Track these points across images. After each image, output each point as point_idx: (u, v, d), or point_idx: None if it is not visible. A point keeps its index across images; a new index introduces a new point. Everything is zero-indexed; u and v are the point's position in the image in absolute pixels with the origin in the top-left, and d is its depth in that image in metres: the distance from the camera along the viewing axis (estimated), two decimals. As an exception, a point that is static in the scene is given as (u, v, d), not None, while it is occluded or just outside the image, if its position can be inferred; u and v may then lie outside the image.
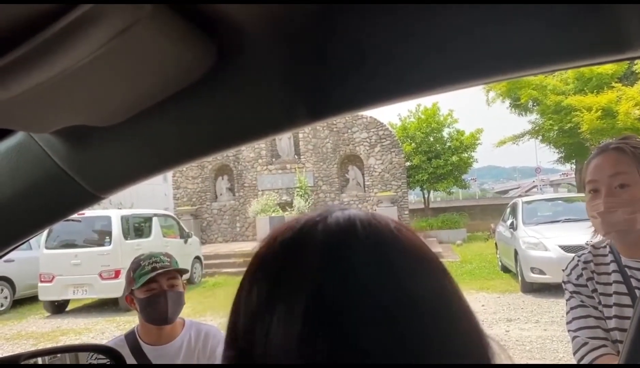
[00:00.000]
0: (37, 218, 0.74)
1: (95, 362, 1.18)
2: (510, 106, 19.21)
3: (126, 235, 9.99)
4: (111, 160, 0.67)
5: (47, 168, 0.67)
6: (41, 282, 9.45)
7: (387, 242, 0.42)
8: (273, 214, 16.08)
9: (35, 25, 0.40)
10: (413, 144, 18.75)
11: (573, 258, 1.51)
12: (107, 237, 9.72)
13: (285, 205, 16.64)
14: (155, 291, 1.83)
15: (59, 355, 1.16)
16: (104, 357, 1.17)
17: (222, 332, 1.90)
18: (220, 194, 18.02)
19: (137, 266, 1.87)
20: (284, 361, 0.38)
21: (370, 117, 17.18)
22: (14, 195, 0.70)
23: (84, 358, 1.19)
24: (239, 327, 0.42)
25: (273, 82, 0.58)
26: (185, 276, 2.04)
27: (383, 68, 0.55)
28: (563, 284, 1.50)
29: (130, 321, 8.60)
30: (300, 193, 16.61)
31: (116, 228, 9.77)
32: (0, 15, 0.39)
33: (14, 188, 0.69)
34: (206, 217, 17.87)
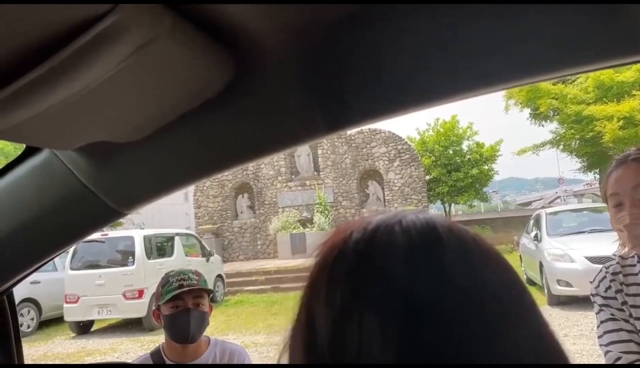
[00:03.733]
0: (62, 235, 0.75)
1: None
2: (530, 116, 18.99)
3: (149, 254, 10.07)
4: (133, 176, 0.68)
5: (71, 185, 0.68)
6: (66, 303, 9.55)
7: (470, 247, 0.42)
8: (294, 231, 16.07)
9: (57, 43, 0.41)
10: (432, 157, 18.64)
11: (601, 270, 1.47)
12: (131, 257, 9.81)
13: (305, 222, 16.63)
14: (179, 309, 1.84)
15: None
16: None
17: (247, 351, 1.89)
18: (241, 212, 18.10)
19: (165, 282, 1.89)
20: None
21: (389, 131, 17.15)
22: (40, 213, 0.71)
23: None
24: (320, 334, 0.41)
25: (291, 94, 0.58)
26: (207, 295, 2.04)
27: (399, 78, 0.55)
28: (591, 297, 1.47)
29: (155, 341, 8.63)
30: (321, 209, 16.58)
31: (139, 249, 9.85)
32: (24, 34, 0.39)
33: (40, 206, 0.71)
34: (227, 235, 17.94)
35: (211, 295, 1.98)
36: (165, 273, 1.96)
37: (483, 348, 0.37)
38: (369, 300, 0.39)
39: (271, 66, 0.55)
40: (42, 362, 7.77)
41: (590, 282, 1.47)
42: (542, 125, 19.04)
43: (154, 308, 1.96)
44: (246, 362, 2.00)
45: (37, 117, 0.46)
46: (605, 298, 1.41)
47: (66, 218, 0.72)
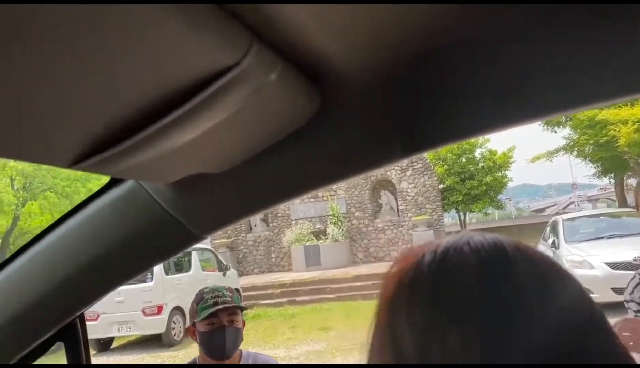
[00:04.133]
0: (143, 259, 0.79)
1: None
2: (542, 122, 18.89)
3: (167, 270, 10.13)
4: (215, 203, 0.72)
5: (154, 212, 0.72)
6: (87, 320, 9.58)
7: (536, 260, 0.44)
8: (307, 243, 16.06)
9: (184, 94, 0.44)
10: (445, 166, 18.57)
11: (634, 276, 1.49)
12: (149, 273, 9.84)
13: (319, 234, 16.61)
14: (215, 326, 1.88)
15: None
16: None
17: (277, 362, 1.92)
18: (255, 225, 18.13)
19: (200, 299, 1.92)
20: None
21: (400, 141, 17.06)
22: (123, 239, 0.75)
23: None
24: (405, 352, 0.43)
25: (370, 123, 0.62)
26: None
27: (470, 105, 0.59)
28: (625, 303, 1.48)
29: (174, 357, 8.66)
30: (334, 221, 16.56)
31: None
32: (154, 88, 0.42)
33: (123, 233, 0.75)
34: (242, 248, 17.97)
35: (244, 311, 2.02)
36: (200, 290, 2.00)
37: (564, 359, 0.39)
38: (449, 318, 0.42)
39: (353, 98, 0.59)
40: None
41: (612, 288, 1.49)
42: (555, 131, 18.95)
43: (189, 324, 2.00)
44: None
45: (153, 159, 0.50)
46: None
47: (147, 244, 0.76)
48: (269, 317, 10.79)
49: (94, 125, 0.44)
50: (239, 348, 2.01)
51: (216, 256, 12.38)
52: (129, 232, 0.75)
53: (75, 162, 0.48)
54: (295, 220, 17.41)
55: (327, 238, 16.22)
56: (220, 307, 1.88)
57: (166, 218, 0.72)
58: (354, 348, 8.12)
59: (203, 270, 11.26)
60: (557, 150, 19.84)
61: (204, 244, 14.26)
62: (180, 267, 10.77)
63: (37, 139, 0.43)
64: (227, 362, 1.93)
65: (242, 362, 1.99)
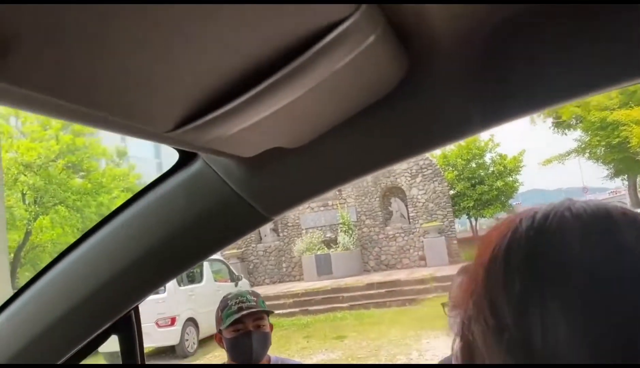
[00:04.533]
0: (211, 241, 0.77)
1: None
2: (552, 125, 18.84)
3: (179, 281, 10.11)
4: (285, 182, 0.70)
5: (222, 193, 0.70)
6: (100, 333, 9.59)
7: None
8: (318, 252, 16.01)
9: (282, 58, 0.42)
10: (455, 171, 18.52)
11: None
12: (161, 285, 9.86)
13: (330, 242, 16.56)
14: (241, 332, 1.84)
15: None
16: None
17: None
18: (265, 235, 18.11)
19: (224, 305, 1.89)
20: (567, 351, 0.38)
21: (409, 148, 17.03)
22: (192, 220, 0.74)
23: None
24: (502, 315, 0.42)
25: (455, 91, 0.58)
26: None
27: (550, 74, 0.56)
28: None
29: (188, 368, 8.60)
30: (344, 229, 16.50)
31: (169, 276, 9.90)
32: (248, 57, 0.41)
33: (191, 214, 0.73)
34: (252, 259, 17.94)
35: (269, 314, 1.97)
36: (224, 297, 1.96)
37: None
38: (548, 282, 0.40)
39: (439, 65, 0.56)
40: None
41: None
42: (565, 134, 18.86)
43: (216, 332, 1.95)
44: None
45: (239, 130, 0.49)
46: None
47: (215, 225, 0.75)
48: (282, 327, 10.72)
49: (192, 93, 0.43)
50: (268, 354, 1.97)
51: (228, 267, 12.35)
52: (196, 215, 0.74)
53: (167, 131, 0.47)
54: (306, 229, 17.37)
55: (337, 247, 16.16)
56: (245, 312, 1.84)
57: (235, 199, 0.70)
58: (370, 356, 8.04)
59: (215, 281, 11.24)
60: (568, 153, 19.73)
61: (215, 255, 14.24)
62: (193, 278, 10.74)
63: (140, 106, 0.42)
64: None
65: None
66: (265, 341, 1.89)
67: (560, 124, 18.24)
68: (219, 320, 1.88)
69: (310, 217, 17.53)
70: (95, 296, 0.81)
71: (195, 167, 0.71)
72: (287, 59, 0.42)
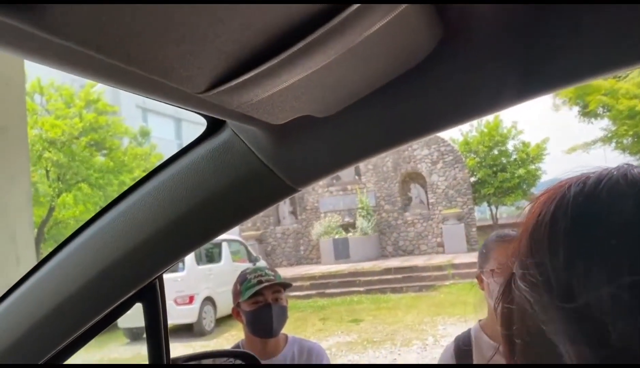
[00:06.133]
0: (236, 210, 0.77)
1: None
2: (578, 113, 18.43)
3: (198, 260, 10.23)
4: (313, 152, 0.69)
5: (249, 163, 0.70)
6: (119, 309, 9.78)
7: None
8: (336, 236, 16.05)
9: (298, 32, 0.42)
10: (476, 158, 18.33)
11: None
12: (181, 263, 9.98)
13: (348, 227, 16.58)
14: (260, 304, 1.85)
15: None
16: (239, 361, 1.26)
17: (325, 351, 1.87)
18: (283, 218, 18.21)
19: (243, 279, 1.90)
20: (609, 309, 0.38)
21: (431, 133, 16.90)
22: (218, 189, 0.74)
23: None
24: (546, 280, 0.42)
25: (491, 61, 0.56)
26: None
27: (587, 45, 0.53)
28: None
29: (205, 346, 8.73)
30: (363, 213, 16.50)
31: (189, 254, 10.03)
32: (273, 22, 0.41)
33: (218, 183, 0.73)
34: (270, 241, 18.07)
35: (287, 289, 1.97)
36: (242, 272, 1.97)
37: None
38: (593, 251, 0.40)
39: (473, 35, 0.54)
40: None
41: None
42: (592, 123, 18.46)
43: (233, 306, 1.95)
44: (324, 361, 1.98)
45: (271, 95, 0.48)
46: None
47: (241, 195, 0.74)
48: (298, 309, 10.81)
49: (228, 52, 0.42)
50: (285, 333, 1.98)
51: (246, 248, 12.46)
52: (222, 184, 0.73)
53: (200, 92, 0.47)
54: (324, 212, 17.40)
55: (356, 231, 16.18)
56: (266, 284, 1.85)
57: (262, 169, 0.70)
58: (386, 340, 8.06)
59: (233, 261, 11.34)
60: (594, 142, 19.33)
61: (234, 235, 14.39)
62: (211, 258, 10.87)
63: (177, 64, 0.42)
64: (272, 342, 1.91)
65: (287, 347, 1.97)
66: (284, 314, 1.90)
67: (587, 113, 17.84)
68: (237, 294, 1.89)
69: (329, 200, 17.55)
70: (122, 263, 0.81)
71: (223, 136, 0.70)
72: (320, 22, 0.41)
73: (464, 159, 17.21)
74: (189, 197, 0.75)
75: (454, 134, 20.04)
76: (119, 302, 0.87)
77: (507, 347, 0.48)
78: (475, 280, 1.66)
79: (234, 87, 0.46)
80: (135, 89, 0.46)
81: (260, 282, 1.85)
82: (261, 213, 14.80)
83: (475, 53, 0.56)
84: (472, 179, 17.73)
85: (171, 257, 0.84)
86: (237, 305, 1.91)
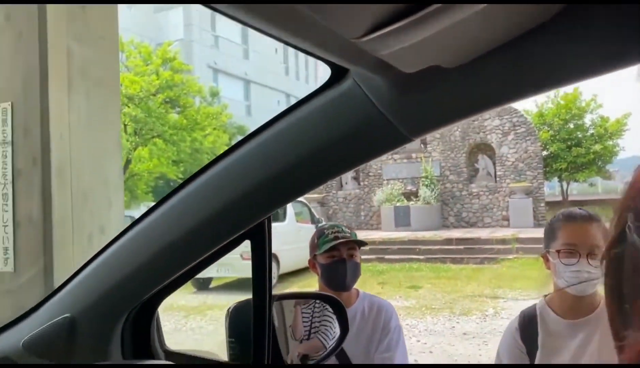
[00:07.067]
0: (348, 158, 0.80)
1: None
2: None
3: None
4: (433, 102, 0.70)
5: (367, 112, 0.72)
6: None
7: None
8: (398, 204, 15.98)
9: None
10: (550, 131, 17.50)
11: None
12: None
13: (410, 195, 16.45)
14: (336, 258, 1.93)
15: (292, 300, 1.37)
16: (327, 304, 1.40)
17: (395, 309, 1.93)
18: (346, 183, 18.29)
19: (320, 233, 1.98)
20: None
21: (503, 103, 16.25)
22: (334, 136, 0.77)
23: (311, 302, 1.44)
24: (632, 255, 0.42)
25: (617, 23, 0.57)
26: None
27: None
28: None
29: (268, 299, 9.06)
30: (426, 183, 16.29)
31: (256, 212, 10.34)
32: None
33: (335, 131, 0.77)
34: (332, 204, 18.26)
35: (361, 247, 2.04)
36: (319, 226, 2.07)
37: None
38: None
39: None
40: (169, 313, 8.49)
41: None
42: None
43: (309, 258, 2.06)
44: (394, 319, 2.03)
45: (412, 44, 0.51)
46: None
47: (355, 143, 0.77)
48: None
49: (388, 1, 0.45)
50: (357, 289, 2.06)
51: (309, 209, 12.67)
52: (339, 132, 0.77)
53: (355, 38, 0.50)
54: (387, 180, 17.32)
55: (418, 200, 16.04)
56: (342, 240, 1.93)
57: (379, 119, 0.72)
58: (444, 308, 8.08)
59: (297, 221, 11.59)
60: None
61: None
62: (277, 216, 11.15)
63: (341, 11, 0.45)
64: (344, 295, 1.97)
65: (359, 301, 2.03)
66: (357, 270, 1.98)
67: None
68: (314, 246, 1.98)
69: (393, 168, 17.43)
70: (237, 203, 0.88)
71: (344, 85, 0.73)
72: None
73: (537, 131, 16.49)
74: (307, 143, 0.80)
75: (527, 105, 19.13)
76: (231, 239, 0.94)
77: (610, 298, 0.46)
78: (540, 256, 1.64)
79: (387, 33, 0.48)
80: (297, 32, 0.49)
81: (336, 238, 1.92)
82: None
83: (601, 13, 0.56)
84: (544, 153, 16.97)
85: (281, 199, 0.90)
86: (313, 257, 2.00)
